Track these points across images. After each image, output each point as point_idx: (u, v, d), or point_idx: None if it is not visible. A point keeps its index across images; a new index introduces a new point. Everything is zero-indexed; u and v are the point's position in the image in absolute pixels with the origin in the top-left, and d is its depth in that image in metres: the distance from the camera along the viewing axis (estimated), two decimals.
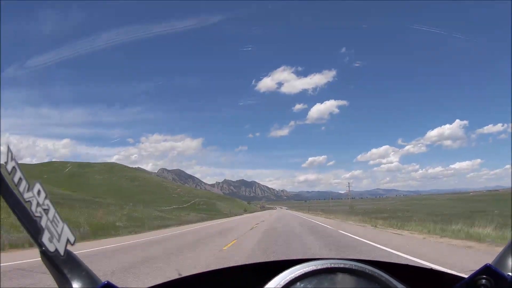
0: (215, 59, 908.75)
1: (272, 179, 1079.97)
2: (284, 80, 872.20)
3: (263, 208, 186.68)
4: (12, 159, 0.74)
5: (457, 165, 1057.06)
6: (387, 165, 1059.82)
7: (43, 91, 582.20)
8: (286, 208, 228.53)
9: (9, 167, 0.74)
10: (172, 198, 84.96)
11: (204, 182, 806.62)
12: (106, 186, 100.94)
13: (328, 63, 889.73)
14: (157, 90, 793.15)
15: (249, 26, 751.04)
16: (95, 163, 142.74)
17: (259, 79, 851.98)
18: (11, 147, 0.71)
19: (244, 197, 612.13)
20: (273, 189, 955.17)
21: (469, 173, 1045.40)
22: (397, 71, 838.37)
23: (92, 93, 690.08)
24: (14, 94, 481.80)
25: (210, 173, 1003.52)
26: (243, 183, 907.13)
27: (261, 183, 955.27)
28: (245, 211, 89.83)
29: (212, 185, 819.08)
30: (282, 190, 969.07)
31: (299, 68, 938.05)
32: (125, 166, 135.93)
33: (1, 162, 0.75)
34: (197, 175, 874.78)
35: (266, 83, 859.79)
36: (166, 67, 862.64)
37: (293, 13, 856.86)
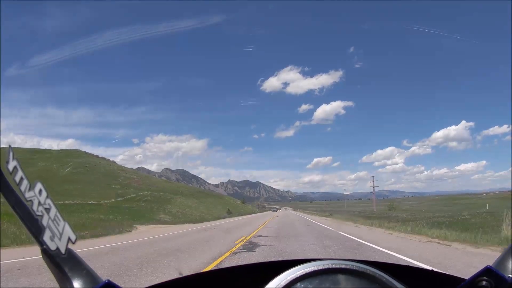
0: (221, 59, 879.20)
1: (277, 180, 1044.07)
2: (290, 80, 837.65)
3: (262, 209, 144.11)
4: (13, 158, 0.72)
5: (462, 167, 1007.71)
6: (392, 166, 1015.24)
7: (48, 91, 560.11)
8: (291, 209, 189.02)
9: (11, 167, 0.71)
10: (110, 190, 52.11)
11: (208, 183, 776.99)
12: (39, 173, 68.44)
13: (335, 63, 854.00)
14: (162, 90, 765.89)
15: (256, 25, 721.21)
16: (52, 150, 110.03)
17: (265, 79, 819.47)
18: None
19: (248, 197, 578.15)
20: (278, 190, 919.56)
21: (474, 174, 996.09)
22: (404, 72, 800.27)
23: (97, 93, 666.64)
24: (19, 94, 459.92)
25: (215, 174, 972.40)
26: (247, 183, 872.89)
27: (266, 183, 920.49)
28: (229, 213, 56.02)
29: (216, 185, 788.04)
30: (286, 191, 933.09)
31: (306, 68, 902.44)
32: (86, 153, 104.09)
33: (3, 162, 0.72)
34: (202, 176, 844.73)
35: (272, 83, 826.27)
36: (172, 67, 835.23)
37: (302, 13, 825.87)
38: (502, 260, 0.84)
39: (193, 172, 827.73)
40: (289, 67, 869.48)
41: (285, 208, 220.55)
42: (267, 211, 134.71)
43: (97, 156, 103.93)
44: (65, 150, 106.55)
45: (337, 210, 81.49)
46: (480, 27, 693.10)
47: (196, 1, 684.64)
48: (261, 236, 14.83)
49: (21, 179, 0.72)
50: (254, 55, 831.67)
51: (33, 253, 8.59)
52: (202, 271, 1.90)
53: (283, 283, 0.84)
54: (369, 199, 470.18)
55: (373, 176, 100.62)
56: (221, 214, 50.43)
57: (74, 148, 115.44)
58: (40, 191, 0.73)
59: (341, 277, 0.86)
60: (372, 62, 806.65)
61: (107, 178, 61.75)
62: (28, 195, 0.72)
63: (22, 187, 0.72)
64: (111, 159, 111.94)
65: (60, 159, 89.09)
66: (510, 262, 0.83)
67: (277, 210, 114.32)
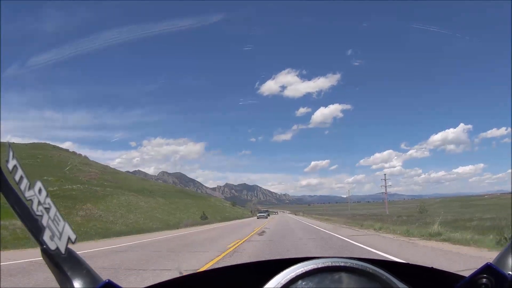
0: (218, 62, 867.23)
1: (274, 183, 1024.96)
2: (288, 83, 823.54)
3: (255, 212, 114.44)
4: (13, 157, 0.71)
5: (460, 170, 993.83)
6: (390, 169, 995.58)
7: (46, 94, 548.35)
8: (289, 212, 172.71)
9: (10, 166, 0.70)
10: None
11: (205, 186, 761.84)
12: None
13: (333, 66, 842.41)
14: (160, 94, 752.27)
15: (252, 28, 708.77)
16: (19, 143, 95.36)
17: (262, 82, 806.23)
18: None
19: (245, 201, 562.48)
20: (275, 193, 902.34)
21: (472, 177, 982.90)
22: (402, 75, 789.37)
23: (95, 95, 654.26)
24: (17, 97, 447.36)
25: (212, 177, 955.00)
26: (245, 187, 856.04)
27: (263, 187, 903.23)
28: (205, 219, 40.64)
29: (214, 189, 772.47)
30: (284, 194, 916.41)
31: (304, 71, 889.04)
32: (54, 147, 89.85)
33: (2, 161, 0.72)
34: (199, 179, 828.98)
35: (270, 86, 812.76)
36: (169, 69, 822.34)
37: (299, 15, 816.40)
38: (502, 257, 0.82)
39: (191, 175, 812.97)
40: (286, 70, 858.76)
41: (283, 211, 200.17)
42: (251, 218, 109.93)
43: (67, 150, 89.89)
44: (34, 143, 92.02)
45: (347, 213, 67.10)
46: (481, 28, 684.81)
47: (191, 2, 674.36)
48: None
49: (21, 178, 0.71)
50: (251, 58, 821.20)
51: None
52: (201, 270, 1.56)
53: (283, 282, 0.83)
54: (368, 202, 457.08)
55: (385, 174, 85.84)
56: (185, 221, 34.36)
57: (73, 151, 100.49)
58: (40, 190, 0.72)
59: (341, 275, 0.84)
60: (370, 65, 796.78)
61: (51, 170, 47.42)
62: (28, 194, 0.71)
63: (22, 186, 0.71)
64: (84, 154, 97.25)
65: (19, 152, 74.42)
66: (510, 259, 0.81)
67: (268, 215, 73.31)
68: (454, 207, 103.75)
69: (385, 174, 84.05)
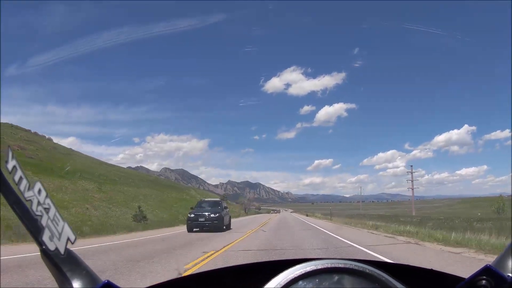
0: (223, 59, 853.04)
1: (277, 181, 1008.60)
2: (293, 81, 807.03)
3: (249, 211, 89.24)
4: (12, 158, 0.71)
5: (463, 171, 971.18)
6: (393, 169, 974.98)
7: (50, 89, 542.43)
8: (291, 211, 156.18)
9: (10, 166, 0.70)
10: None
11: (208, 183, 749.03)
12: None
13: (339, 65, 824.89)
14: (164, 90, 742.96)
15: (258, 25, 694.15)
16: None
17: (267, 80, 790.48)
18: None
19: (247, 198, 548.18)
20: (278, 191, 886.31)
21: (475, 179, 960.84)
22: (407, 75, 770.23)
23: (99, 91, 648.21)
24: (20, 91, 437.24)
25: (215, 174, 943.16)
26: (247, 184, 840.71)
27: (266, 185, 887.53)
28: (140, 219, 22.37)
29: (216, 186, 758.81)
30: (287, 193, 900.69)
31: (309, 69, 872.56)
32: (12, 126, 73.71)
33: (2, 162, 0.71)
34: (202, 176, 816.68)
35: (274, 84, 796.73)
36: (174, 66, 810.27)
37: (306, 13, 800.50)
38: (501, 259, 0.81)
39: (194, 172, 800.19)
40: (292, 68, 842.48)
41: (285, 210, 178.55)
42: (262, 213, 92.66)
43: (29, 131, 75.17)
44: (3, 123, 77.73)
45: (370, 214, 51.06)
46: (485, 30, 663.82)
47: (198, 2, 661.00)
48: None
49: (20, 178, 0.71)
50: (257, 55, 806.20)
51: None
52: (201, 271, 1.94)
53: (283, 283, 0.82)
54: (372, 201, 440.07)
55: (411, 166, 68.69)
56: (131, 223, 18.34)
57: (76, 146, 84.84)
58: (40, 190, 0.72)
59: (340, 277, 0.84)
60: (376, 65, 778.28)
61: None
62: (27, 194, 0.71)
63: (22, 187, 0.70)
64: (86, 149, 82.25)
65: None
66: (510, 261, 0.80)
67: (277, 212, 45.18)
68: (484, 207, 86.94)
69: (411, 166, 66.87)
